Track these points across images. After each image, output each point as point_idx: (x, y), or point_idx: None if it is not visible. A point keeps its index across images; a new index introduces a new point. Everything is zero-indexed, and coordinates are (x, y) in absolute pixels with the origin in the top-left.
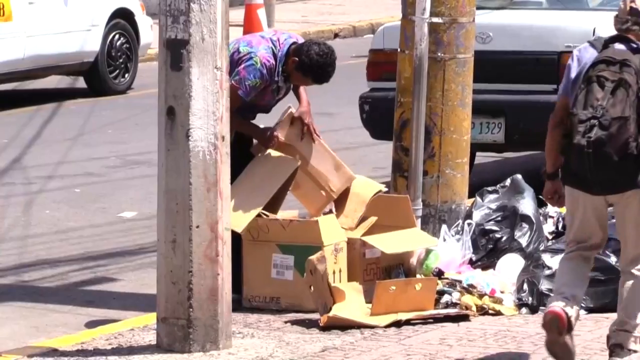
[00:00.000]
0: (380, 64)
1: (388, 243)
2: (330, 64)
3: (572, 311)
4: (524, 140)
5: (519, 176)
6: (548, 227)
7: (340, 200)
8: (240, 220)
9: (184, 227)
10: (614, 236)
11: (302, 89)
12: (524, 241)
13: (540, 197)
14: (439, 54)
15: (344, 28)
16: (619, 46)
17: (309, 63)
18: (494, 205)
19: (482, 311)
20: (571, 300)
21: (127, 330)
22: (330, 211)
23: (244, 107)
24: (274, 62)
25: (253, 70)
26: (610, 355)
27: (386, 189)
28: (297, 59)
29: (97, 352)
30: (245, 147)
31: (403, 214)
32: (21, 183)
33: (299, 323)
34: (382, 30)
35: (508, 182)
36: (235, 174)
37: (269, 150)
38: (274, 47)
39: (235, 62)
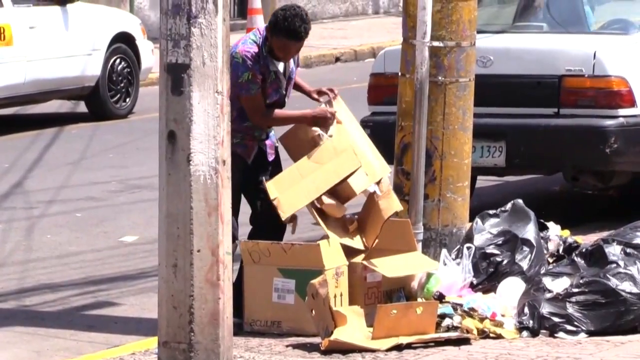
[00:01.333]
0: (381, 88)
1: (389, 267)
2: (295, 15)
3: None
4: (524, 164)
5: (520, 201)
6: (549, 250)
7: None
8: (287, 208)
9: (185, 252)
10: (614, 258)
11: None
12: (524, 265)
13: (542, 221)
14: (440, 78)
15: (345, 52)
16: None
17: (275, 21)
18: (494, 229)
19: (483, 335)
20: None
21: (129, 355)
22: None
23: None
24: (255, 49)
25: (238, 67)
26: None
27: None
28: (268, 26)
29: None
30: (255, 171)
31: (404, 238)
32: (22, 207)
33: (301, 347)
34: (383, 54)
35: (509, 206)
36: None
37: (334, 138)
38: (254, 37)
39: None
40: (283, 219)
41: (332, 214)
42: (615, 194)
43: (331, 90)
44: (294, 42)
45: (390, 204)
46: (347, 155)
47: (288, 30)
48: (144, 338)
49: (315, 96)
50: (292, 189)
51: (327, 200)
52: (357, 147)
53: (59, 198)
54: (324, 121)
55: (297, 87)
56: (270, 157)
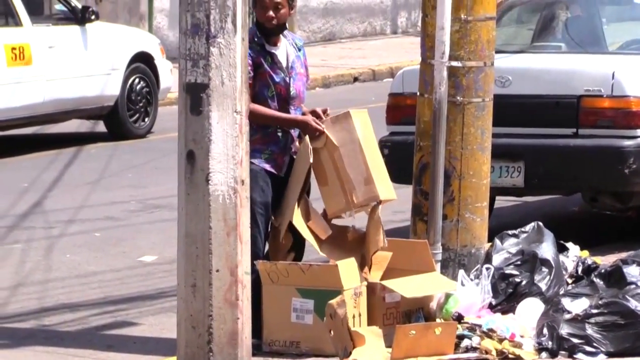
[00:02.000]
0: (400, 108)
1: (408, 287)
2: None
3: None
4: (543, 184)
5: (540, 222)
6: (568, 271)
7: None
8: (283, 227)
9: (204, 271)
10: (633, 279)
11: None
12: (543, 285)
13: (561, 241)
14: (458, 98)
15: (363, 72)
16: None
17: None
18: (513, 250)
19: (502, 355)
20: None
21: None
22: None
23: (276, 99)
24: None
25: None
26: None
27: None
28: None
29: None
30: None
31: (422, 258)
32: (42, 227)
33: None
34: (401, 74)
35: (528, 227)
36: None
37: (308, 145)
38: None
39: None
40: (280, 240)
41: (317, 233)
42: (634, 215)
43: (324, 112)
44: None
45: (377, 240)
46: (305, 155)
47: None
48: (163, 358)
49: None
50: (286, 207)
51: (314, 219)
52: (344, 170)
53: (78, 218)
54: (306, 129)
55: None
56: None
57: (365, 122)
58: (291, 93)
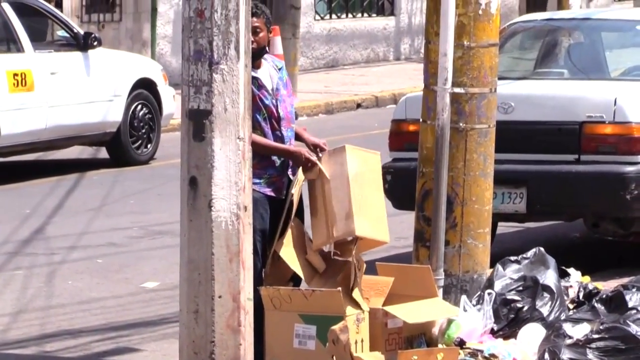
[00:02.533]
0: (403, 134)
1: (410, 313)
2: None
3: None
4: (545, 210)
5: (541, 248)
6: (569, 296)
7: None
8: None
9: (206, 298)
10: (634, 305)
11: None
12: (545, 311)
13: (562, 267)
14: (461, 124)
15: (366, 98)
16: None
17: None
18: (515, 275)
19: None
20: None
21: None
22: (331, 252)
23: (268, 121)
24: None
25: None
26: None
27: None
28: None
29: None
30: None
31: (425, 284)
32: (43, 253)
33: None
34: (404, 100)
35: (530, 253)
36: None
37: (299, 180)
38: None
39: None
40: (267, 268)
41: (316, 266)
42: (635, 241)
43: (325, 145)
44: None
45: (349, 280)
46: (296, 188)
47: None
48: None
49: (312, 147)
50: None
51: (310, 251)
52: (330, 203)
53: (80, 244)
54: (298, 160)
55: (297, 137)
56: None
57: (364, 160)
58: (280, 115)
